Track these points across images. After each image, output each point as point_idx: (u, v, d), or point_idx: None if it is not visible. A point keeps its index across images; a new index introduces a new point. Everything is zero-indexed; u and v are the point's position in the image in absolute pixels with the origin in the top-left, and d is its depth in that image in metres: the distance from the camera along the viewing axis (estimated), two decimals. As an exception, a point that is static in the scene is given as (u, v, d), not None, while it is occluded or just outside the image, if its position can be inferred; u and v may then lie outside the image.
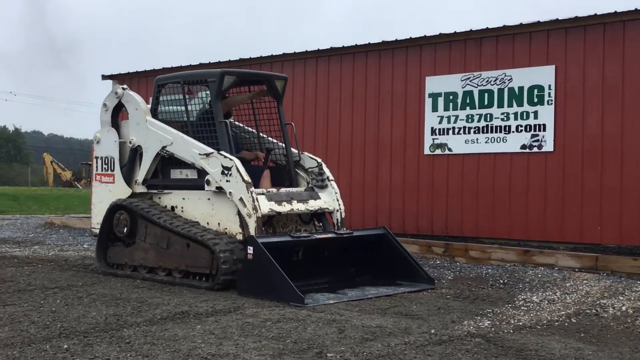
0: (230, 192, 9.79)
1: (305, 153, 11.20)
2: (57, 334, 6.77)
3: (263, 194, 9.98)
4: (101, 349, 6.24)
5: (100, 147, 11.76)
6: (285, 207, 10.08)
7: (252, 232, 9.50)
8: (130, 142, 11.28)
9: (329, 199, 10.63)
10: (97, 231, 11.40)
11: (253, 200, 9.62)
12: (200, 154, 10.21)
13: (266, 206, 9.82)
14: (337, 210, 10.59)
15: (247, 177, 9.73)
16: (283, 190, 10.46)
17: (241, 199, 9.69)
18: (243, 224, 9.71)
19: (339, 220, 10.56)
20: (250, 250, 9.05)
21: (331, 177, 10.87)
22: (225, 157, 9.93)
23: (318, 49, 15.77)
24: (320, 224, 10.62)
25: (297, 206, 10.25)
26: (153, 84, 11.52)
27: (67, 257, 13.09)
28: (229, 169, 9.83)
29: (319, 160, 11.01)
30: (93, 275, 10.86)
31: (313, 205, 10.43)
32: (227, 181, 9.84)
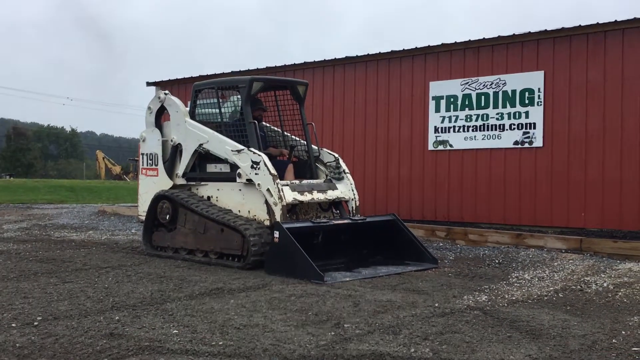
0: (259, 184, 9.82)
1: (324, 149, 11.21)
2: (109, 307, 6.83)
3: (287, 185, 9.99)
4: (148, 320, 6.29)
5: (145, 144, 11.83)
6: (306, 197, 10.10)
7: (277, 218, 9.53)
8: (171, 141, 11.33)
9: (345, 189, 10.63)
10: (144, 218, 11.47)
11: (279, 191, 9.65)
12: (232, 151, 10.24)
13: (290, 196, 9.84)
14: (352, 199, 10.59)
15: (273, 171, 9.76)
16: (305, 181, 10.47)
17: (268, 190, 9.71)
18: (270, 212, 9.74)
19: (354, 208, 10.56)
20: (276, 234, 9.09)
21: (347, 170, 10.87)
22: (254, 153, 9.96)
23: (335, 58, 15.76)
24: (338, 211, 10.63)
25: (317, 196, 10.27)
26: (191, 89, 11.56)
27: (117, 240, 13.19)
28: (257, 163, 9.85)
29: (336, 155, 11.02)
30: (140, 256, 10.94)
31: (331, 195, 10.44)
32: (256, 174, 9.87)
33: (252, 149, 10.03)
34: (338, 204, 10.62)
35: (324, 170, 10.99)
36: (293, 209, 10.19)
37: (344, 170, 10.81)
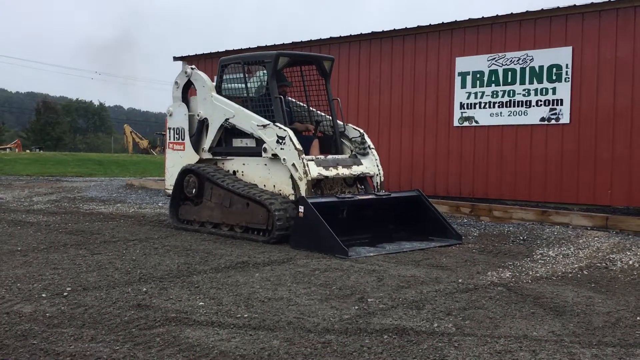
0: (284, 159, 9.83)
1: (349, 125, 11.18)
2: (137, 279, 6.92)
3: (312, 160, 9.99)
4: (174, 292, 6.36)
5: (172, 119, 11.89)
6: (331, 172, 10.10)
7: (302, 193, 9.55)
8: (198, 115, 11.37)
9: (370, 165, 10.61)
10: (170, 191, 11.57)
11: (304, 166, 9.66)
12: (258, 125, 10.25)
13: (315, 171, 9.85)
14: (377, 175, 10.57)
15: (299, 146, 9.76)
16: (330, 157, 10.46)
17: (294, 165, 9.73)
18: (295, 186, 9.76)
19: (379, 184, 10.54)
20: (301, 209, 9.11)
21: (372, 146, 10.83)
22: (280, 128, 9.96)
23: (360, 34, 15.64)
24: (362, 187, 10.62)
25: (342, 171, 10.26)
26: (217, 64, 11.56)
27: (144, 213, 13.32)
28: (283, 138, 9.86)
29: (361, 130, 10.98)
30: (167, 229, 11.04)
31: (356, 170, 10.42)
32: (281, 149, 9.88)
33: (277, 124, 10.03)
34: (363, 180, 10.60)
35: (349, 145, 10.96)
36: (318, 184, 10.20)
37: (369, 146, 10.77)
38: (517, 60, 13.35)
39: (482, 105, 13.80)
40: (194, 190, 10.99)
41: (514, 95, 13.37)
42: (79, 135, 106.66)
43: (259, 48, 16.56)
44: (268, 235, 9.67)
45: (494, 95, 13.63)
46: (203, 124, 11.33)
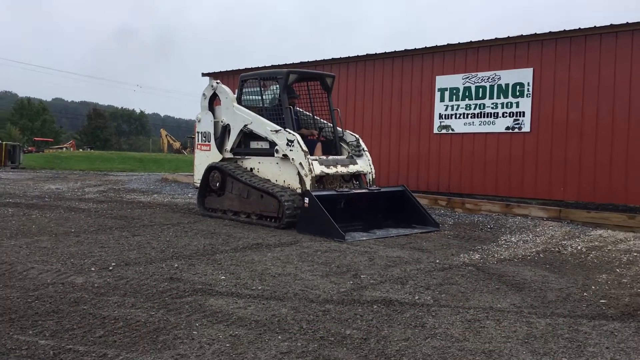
0: (292, 158, 9.83)
1: (347, 131, 11.17)
2: (170, 256, 6.93)
3: (316, 160, 9.99)
4: (201, 267, 6.37)
5: (200, 124, 11.89)
6: (332, 170, 10.09)
7: (308, 187, 9.55)
8: (222, 121, 11.38)
9: (364, 164, 10.60)
10: (198, 185, 11.57)
11: (309, 164, 9.65)
12: (271, 131, 10.25)
13: (318, 169, 9.85)
14: (370, 173, 10.57)
15: (305, 148, 9.76)
16: (330, 157, 10.45)
17: (300, 163, 9.73)
18: (301, 181, 9.76)
19: (371, 180, 10.54)
20: (306, 200, 9.10)
21: (365, 148, 10.83)
22: (289, 132, 9.96)
23: (357, 55, 15.61)
24: (357, 182, 10.62)
25: (341, 169, 10.25)
26: (238, 80, 11.56)
27: (177, 203, 13.32)
28: (292, 141, 9.86)
29: (357, 136, 10.98)
30: (195, 216, 11.05)
31: (352, 168, 10.42)
32: (290, 150, 9.88)
33: (287, 130, 10.03)
34: (358, 177, 10.60)
35: (346, 148, 10.96)
36: (320, 180, 10.20)
37: (363, 149, 10.77)
38: (487, 79, 13.32)
39: (458, 116, 13.77)
40: (217, 183, 10.99)
41: (484, 107, 13.34)
42: (123, 137, 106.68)
43: (272, 67, 16.51)
44: (278, 222, 9.68)
45: (468, 108, 13.60)
46: (226, 129, 11.33)
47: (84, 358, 3.72)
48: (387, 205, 10.39)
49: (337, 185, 10.58)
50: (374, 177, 10.59)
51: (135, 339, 4.07)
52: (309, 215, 9.08)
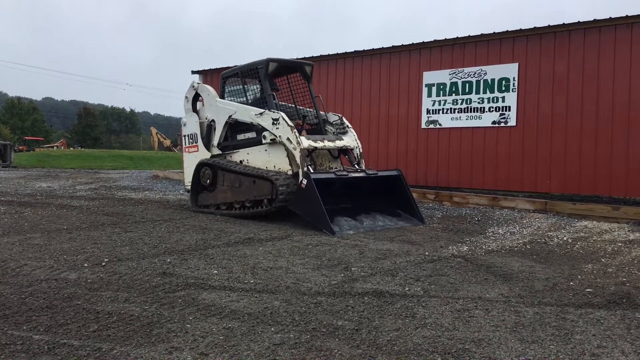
0: (279, 136, 9.80)
1: (330, 113, 11.19)
2: (162, 252, 6.89)
3: (304, 135, 9.99)
4: (193, 262, 6.35)
5: (186, 127, 11.88)
6: (319, 144, 10.06)
7: (297, 161, 9.51)
8: (206, 119, 11.37)
9: (350, 140, 10.57)
10: (189, 187, 11.55)
11: (296, 137, 9.64)
12: (255, 114, 10.24)
13: (306, 142, 9.82)
14: (356, 147, 10.54)
15: (290, 123, 9.77)
16: (317, 135, 10.45)
17: (288, 138, 9.69)
18: (292, 162, 9.72)
19: (358, 155, 10.49)
20: (304, 181, 9.04)
21: (350, 125, 10.85)
22: (273, 112, 9.97)
23: (345, 52, 15.61)
24: (347, 156, 10.49)
25: (328, 144, 10.22)
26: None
27: (168, 199, 13.27)
28: (277, 120, 9.85)
29: (340, 115, 11.04)
30: (187, 212, 11.01)
31: (339, 143, 10.38)
32: (277, 128, 9.86)
33: (272, 110, 10.04)
34: (347, 152, 10.54)
35: (331, 129, 10.96)
36: (310, 155, 10.16)
37: (347, 125, 10.80)
38: (473, 74, 13.36)
39: (445, 111, 13.81)
40: (208, 180, 10.96)
41: (470, 102, 13.39)
42: (114, 135, 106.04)
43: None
44: (272, 204, 9.65)
45: (454, 103, 13.64)
46: (211, 126, 11.30)
47: (78, 352, 3.70)
48: (378, 190, 10.28)
49: (327, 167, 10.50)
50: (361, 151, 10.55)
51: (129, 333, 4.05)
52: (304, 197, 8.99)
